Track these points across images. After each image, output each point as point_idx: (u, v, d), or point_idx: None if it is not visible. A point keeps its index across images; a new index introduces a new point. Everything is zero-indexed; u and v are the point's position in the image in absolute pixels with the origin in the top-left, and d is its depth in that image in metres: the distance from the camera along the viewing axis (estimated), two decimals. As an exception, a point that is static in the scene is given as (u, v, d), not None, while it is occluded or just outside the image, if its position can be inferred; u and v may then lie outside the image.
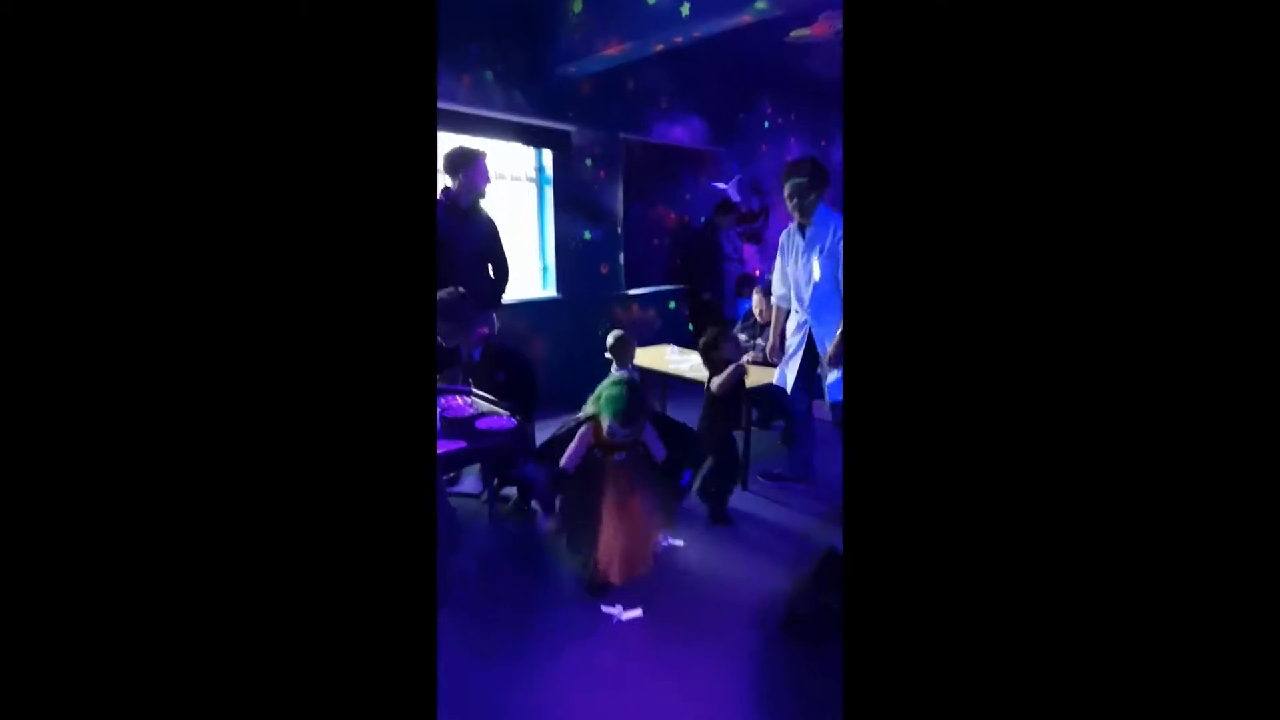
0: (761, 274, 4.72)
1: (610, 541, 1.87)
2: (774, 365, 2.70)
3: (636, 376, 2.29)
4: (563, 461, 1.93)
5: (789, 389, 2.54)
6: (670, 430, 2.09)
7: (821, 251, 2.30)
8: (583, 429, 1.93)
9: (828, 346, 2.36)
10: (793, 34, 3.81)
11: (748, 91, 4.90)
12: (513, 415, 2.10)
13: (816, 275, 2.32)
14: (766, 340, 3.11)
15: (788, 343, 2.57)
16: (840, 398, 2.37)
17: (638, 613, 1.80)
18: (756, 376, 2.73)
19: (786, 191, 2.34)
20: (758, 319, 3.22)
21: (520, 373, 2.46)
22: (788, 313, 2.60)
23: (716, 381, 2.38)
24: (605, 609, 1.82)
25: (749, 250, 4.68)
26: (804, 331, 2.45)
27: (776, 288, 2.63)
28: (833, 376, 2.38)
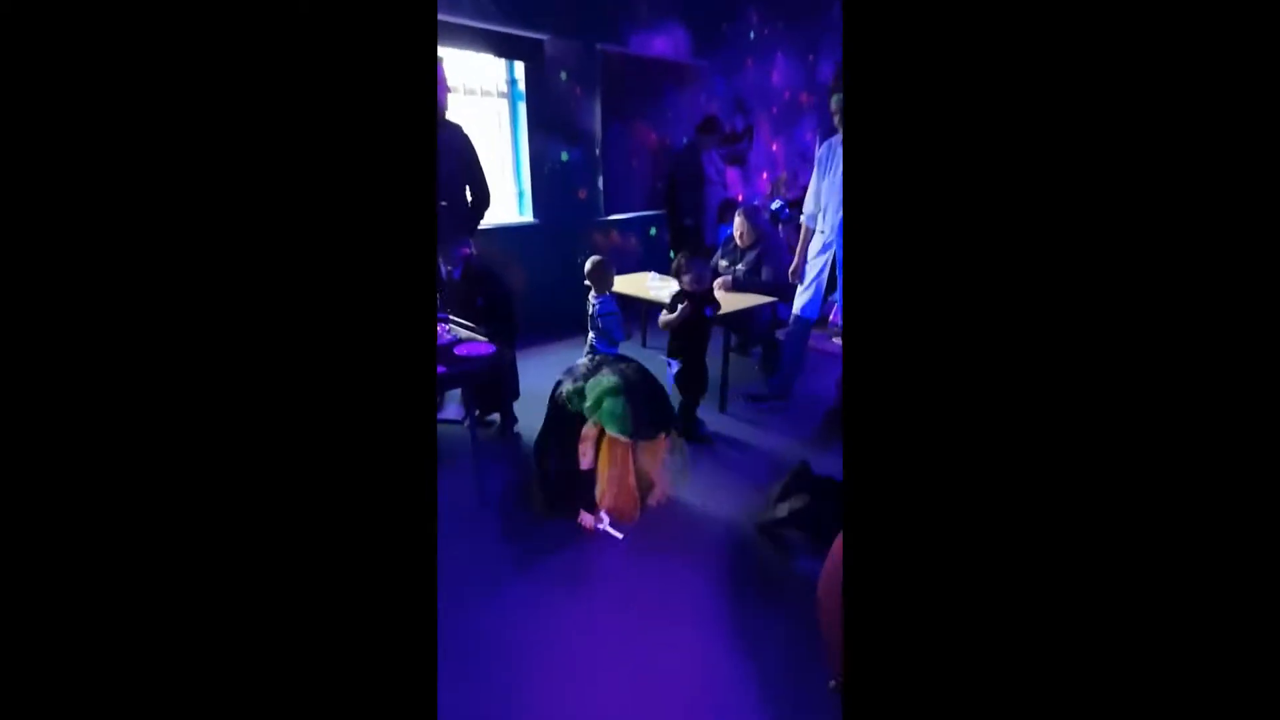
0: (744, 197, 4.61)
1: (605, 487, 1.87)
2: (773, 285, 2.70)
3: (617, 310, 2.24)
4: (583, 464, 1.85)
5: (797, 313, 2.52)
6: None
7: None
8: (585, 436, 1.84)
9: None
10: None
11: (732, 1, 4.60)
12: (491, 341, 2.09)
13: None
14: (747, 264, 3.09)
15: (809, 265, 2.50)
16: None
17: (618, 534, 1.87)
18: (733, 302, 2.73)
19: (833, 104, 2.23)
20: (738, 243, 3.18)
21: (500, 298, 2.43)
22: (813, 233, 2.51)
23: (663, 319, 2.37)
24: (586, 518, 1.89)
25: (732, 173, 4.54)
26: (828, 254, 2.40)
27: (808, 205, 2.51)
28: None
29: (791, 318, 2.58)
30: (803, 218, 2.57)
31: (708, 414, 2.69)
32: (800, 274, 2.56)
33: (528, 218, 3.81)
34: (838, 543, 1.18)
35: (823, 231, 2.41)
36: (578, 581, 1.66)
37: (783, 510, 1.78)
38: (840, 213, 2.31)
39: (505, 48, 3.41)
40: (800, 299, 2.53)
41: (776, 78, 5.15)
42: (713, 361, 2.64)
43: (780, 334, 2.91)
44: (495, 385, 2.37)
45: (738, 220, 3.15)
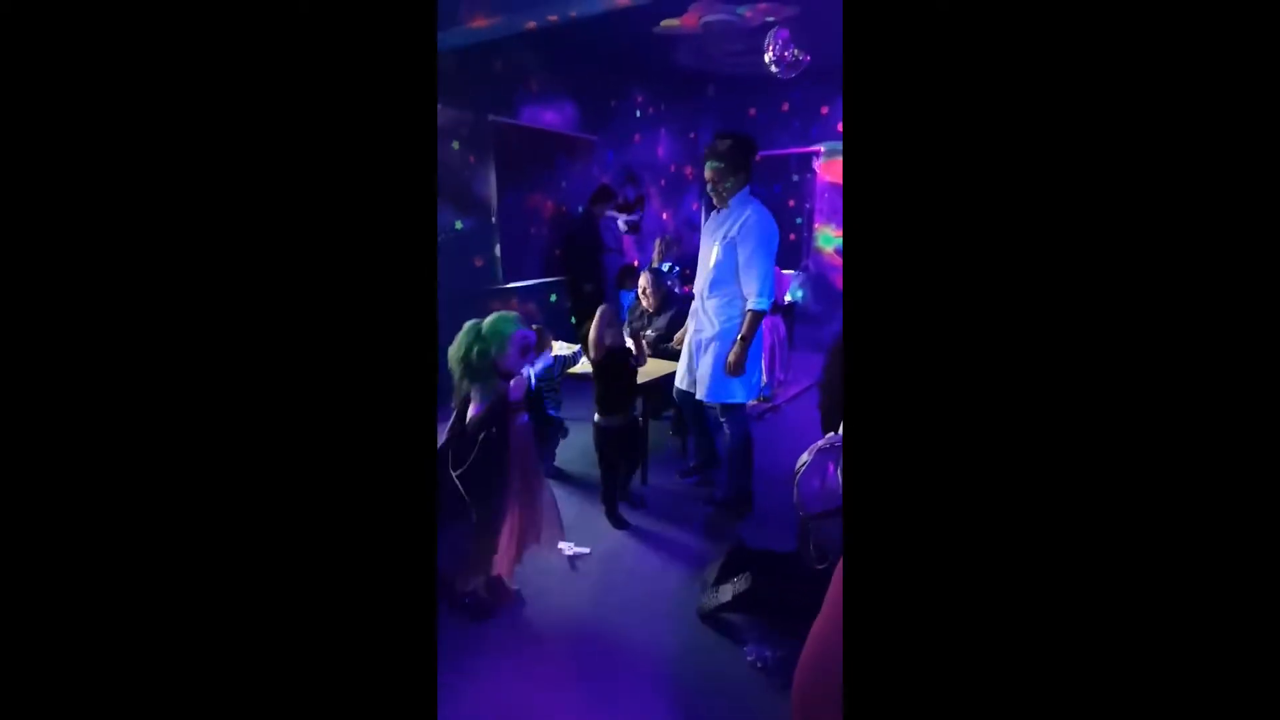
0: (641, 263, 4.72)
1: (511, 537, 1.73)
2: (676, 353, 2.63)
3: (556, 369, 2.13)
4: (469, 424, 1.68)
5: (680, 386, 2.40)
6: None
7: (724, 237, 2.13)
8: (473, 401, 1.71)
9: (729, 352, 2.15)
10: (663, 24, 3.80)
11: (619, 79, 4.85)
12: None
13: (712, 260, 2.17)
14: (657, 330, 3.10)
15: (686, 333, 2.39)
16: (718, 398, 2.21)
17: (586, 550, 1.86)
18: (654, 369, 2.71)
19: (706, 174, 2.13)
20: (645, 308, 3.19)
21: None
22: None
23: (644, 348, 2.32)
24: (561, 545, 1.86)
25: (628, 240, 4.64)
26: (694, 319, 2.31)
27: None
28: (704, 370, 2.21)
29: (720, 407, 2.31)
30: (694, 287, 2.38)
31: (631, 484, 2.59)
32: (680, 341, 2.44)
33: (420, 288, 3.59)
34: (811, 639, 1.11)
35: (696, 302, 2.32)
36: (525, 676, 1.44)
37: (725, 594, 1.70)
38: (710, 272, 2.20)
39: (393, 115, 3.28)
40: (679, 370, 2.37)
41: (662, 152, 5.45)
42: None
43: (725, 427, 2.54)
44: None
45: (643, 281, 3.17)
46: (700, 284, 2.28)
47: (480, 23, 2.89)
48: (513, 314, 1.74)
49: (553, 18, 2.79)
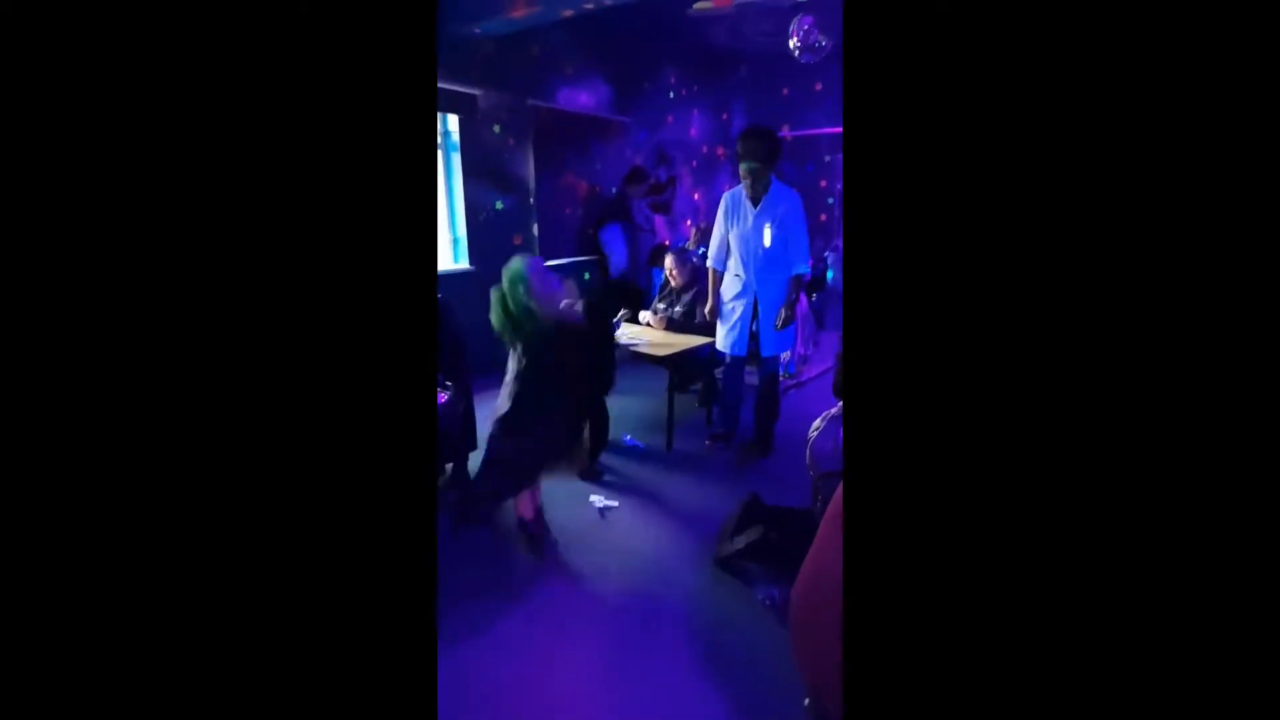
0: (671, 242, 4.85)
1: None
2: (709, 324, 2.84)
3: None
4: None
5: (727, 351, 2.65)
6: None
7: (773, 221, 2.45)
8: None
9: (778, 313, 2.54)
10: (696, 6, 3.88)
11: (652, 62, 4.93)
12: (444, 387, 2.08)
13: (767, 242, 2.47)
14: (683, 305, 3.25)
15: (726, 305, 2.64)
16: (776, 351, 2.59)
17: (614, 503, 2.06)
18: (674, 342, 2.87)
19: (743, 170, 2.43)
20: (672, 285, 3.34)
21: (453, 344, 2.41)
22: (723, 275, 2.68)
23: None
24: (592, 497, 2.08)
25: (659, 220, 4.78)
26: (748, 296, 2.56)
27: (714, 251, 2.68)
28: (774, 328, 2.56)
29: (728, 359, 2.71)
30: (708, 262, 2.74)
31: (656, 452, 2.78)
32: (719, 313, 2.71)
33: (464, 264, 3.81)
34: (806, 562, 1.28)
35: (739, 275, 2.59)
36: (545, 619, 1.65)
37: (739, 543, 1.88)
38: (759, 253, 2.50)
39: (440, 101, 3.47)
40: (726, 338, 2.66)
41: (694, 133, 5.52)
42: (658, 400, 2.73)
43: (717, 373, 3.05)
44: (448, 435, 2.33)
45: (669, 261, 3.32)
46: (748, 260, 2.54)
47: (520, 12, 3.04)
48: (517, 256, 1.88)
49: (589, 5, 2.92)
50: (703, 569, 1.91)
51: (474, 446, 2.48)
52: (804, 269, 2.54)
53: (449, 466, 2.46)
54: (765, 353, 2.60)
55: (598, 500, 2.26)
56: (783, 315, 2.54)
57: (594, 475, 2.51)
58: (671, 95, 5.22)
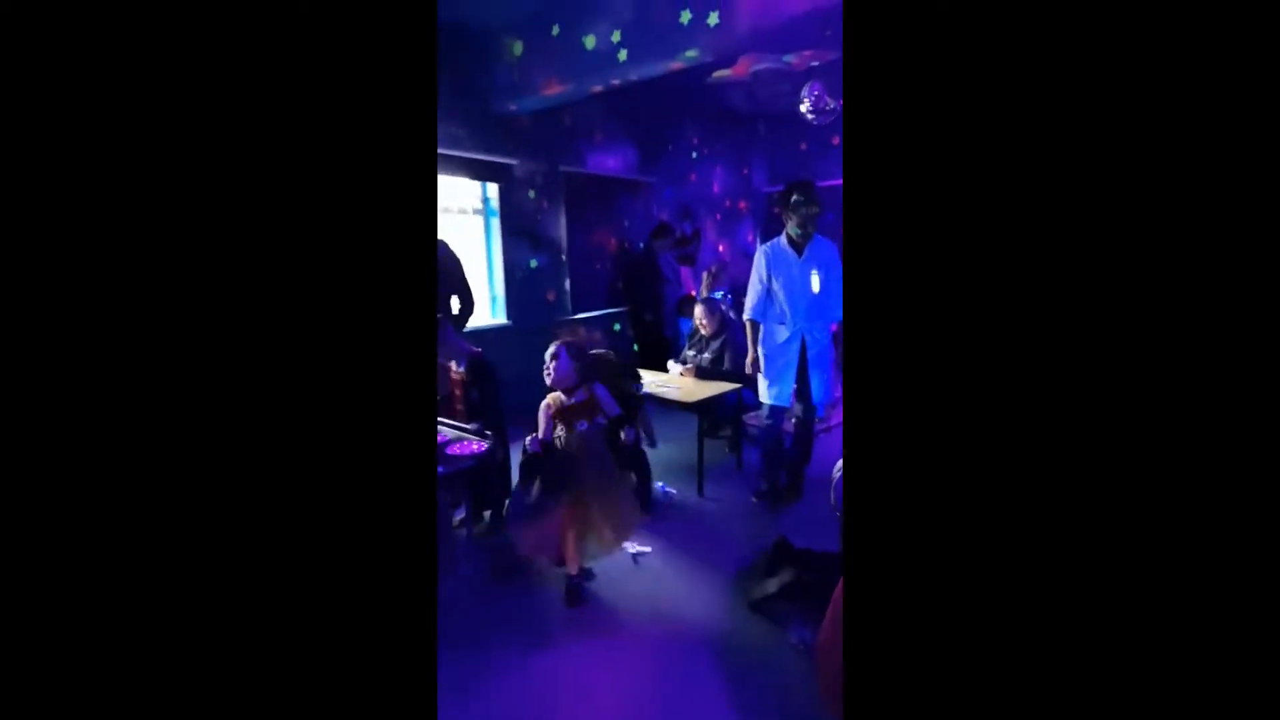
0: (697, 292, 5.02)
1: (570, 527, 2.00)
2: (737, 371, 2.93)
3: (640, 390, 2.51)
4: (526, 442, 2.08)
5: (770, 402, 2.69)
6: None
7: (819, 269, 2.58)
8: (543, 404, 2.11)
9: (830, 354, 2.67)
10: (715, 75, 4.17)
11: (675, 124, 5.25)
12: (484, 436, 2.21)
13: (816, 289, 2.59)
14: (713, 353, 3.37)
15: (770, 358, 2.69)
16: (825, 399, 2.68)
17: (648, 549, 2.11)
18: (702, 389, 2.97)
19: (797, 218, 2.56)
20: (702, 333, 3.47)
21: (491, 395, 2.56)
22: (759, 328, 2.74)
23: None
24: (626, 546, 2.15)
25: (685, 272, 4.97)
26: (796, 343, 2.64)
27: (752, 303, 2.72)
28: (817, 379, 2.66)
29: (765, 409, 2.72)
30: (745, 315, 2.77)
31: (687, 498, 2.84)
32: (756, 366, 2.75)
33: (501, 319, 4.03)
34: (831, 607, 1.32)
35: (784, 325, 2.66)
36: (578, 662, 1.71)
37: (771, 586, 1.91)
38: (807, 309, 2.61)
39: (480, 171, 3.78)
40: (771, 389, 2.69)
41: (717, 189, 5.78)
42: (687, 447, 2.81)
43: (753, 428, 3.07)
44: (487, 482, 2.45)
45: (698, 311, 3.46)
46: (797, 309, 2.65)
47: (553, 89, 3.34)
48: None
49: (616, 82, 3.19)
50: (735, 612, 1.95)
51: (509, 493, 2.60)
52: (839, 317, 2.68)
53: (487, 514, 2.57)
54: (816, 399, 2.66)
55: (631, 546, 2.32)
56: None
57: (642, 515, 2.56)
58: (694, 155, 5.52)
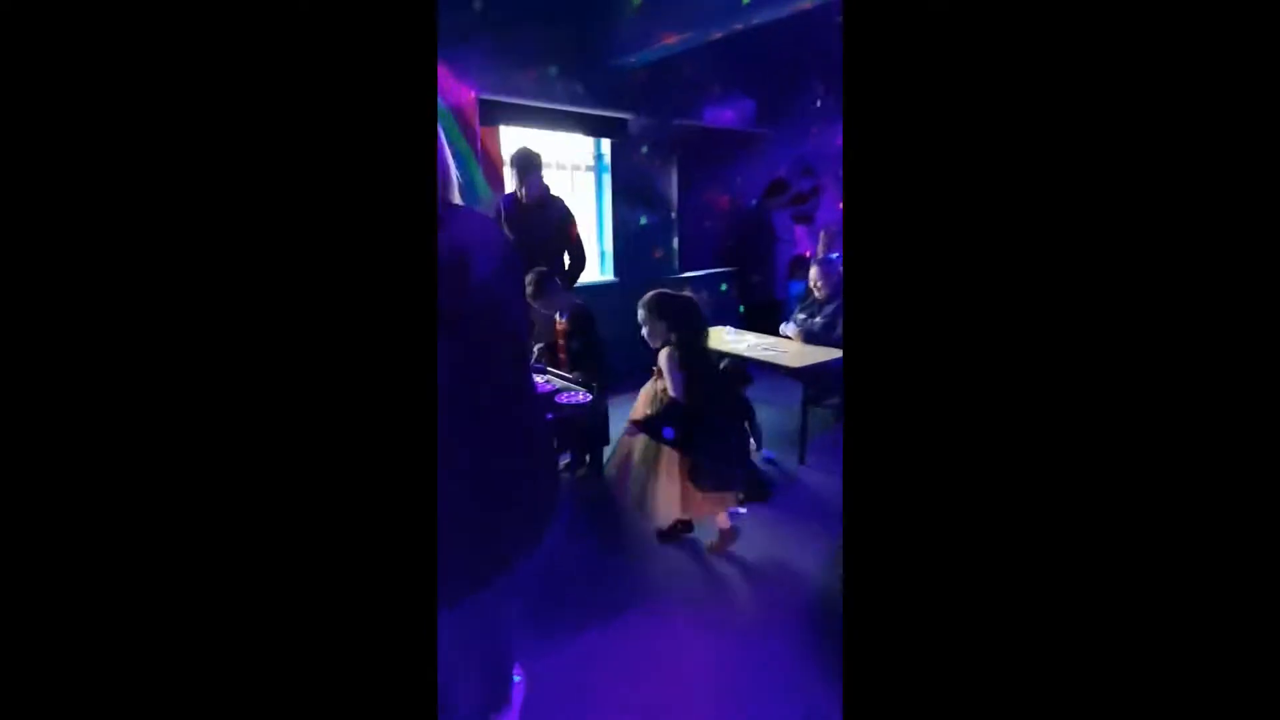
0: (812, 253, 4.77)
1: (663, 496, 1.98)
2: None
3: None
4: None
5: None
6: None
7: None
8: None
9: None
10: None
11: (797, 74, 4.91)
12: (589, 389, 2.28)
13: None
14: (825, 318, 3.20)
15: None
16: None
17: (743, 510, 2.19)
18: (807, 355, 2.85)
19: None
20: (815, 295, 3.30)
21: (593, 345, 2.64)
22: None
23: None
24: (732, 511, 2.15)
25: (800, 231, 4.72)
26: None
27: None
28: None
29: None
30: None
31: (789, 466, 2.78)
32: None
33: (610, 277, 4.10)
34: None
35: None
36: (657, 624, 1.75)
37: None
38: None
39: (594, 127, 3.79)
40: None
41: (839, 143, 5.37)
42: (794, 413, 2.73)
43: None
44: (590, 431, 2.55)
45: (813, 273, 3.28)
46: None
47: (672, 39, 3.24)
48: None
49: (738, 25, 3.03)
50: (832, 573, 1.89)
51: (606, 441, 2.68)
52: None
53: (588, 457, 2.68)
54: None
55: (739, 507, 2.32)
56: None
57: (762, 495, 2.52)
58: (819, 104, 5.15)
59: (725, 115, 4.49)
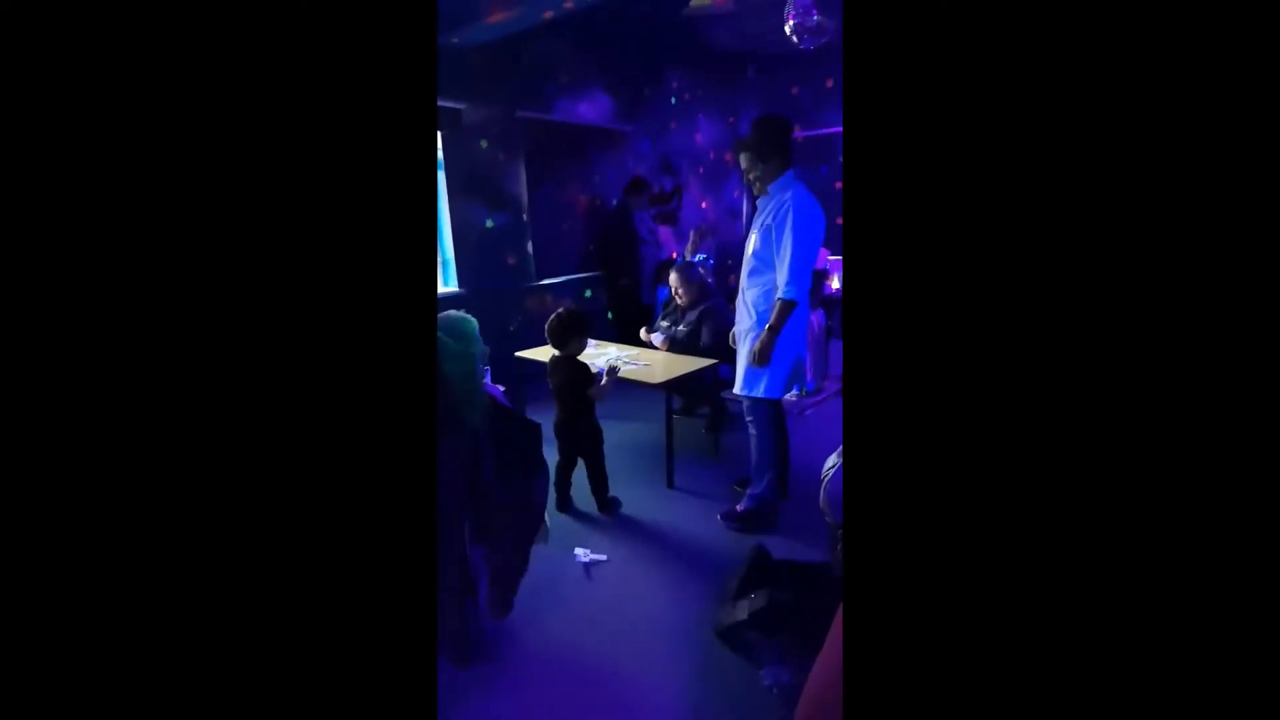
0: (679, 256, 4.59)
1: None
2: (719, 345, 2.50)
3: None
4: None
5: (737, 388, 2.18)
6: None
7: (762, 225, 2.01)
8: None
9: (754, 341, 2.04)
10: (693, 4, 3.64)
11: (652, 66, 4.71)
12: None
13: (750, 248, 2.06)
14: (688, 325, 2.97)
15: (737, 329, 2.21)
16: (748, 390, 2.09)
17: (603, 558, 1.94)
18: (677, 366, 2.59)
19: (741, 165, 2.06)
20: (678, 302, 3.07)
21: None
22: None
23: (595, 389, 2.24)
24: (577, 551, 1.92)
25: (664, 232, 4.51)
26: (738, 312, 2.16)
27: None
28: (741, 366, 2.13)
29: (748, 403, 2.15)
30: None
31: (655, 489, 2.49)
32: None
33: (452, 287, 3.60)
34: (818, 664, 0.97)
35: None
36: (514, 691, 1.37)
37: (742, 611, 1.57)
38: (749, 260, 2.08)
39: (420, 117, 3.29)
40: (762, 380, 2.10)
41: (700, 139, 5.26)
42: (655, 428, 2.45)
43: (724, 394, 2.73)
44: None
45: (673, 278, 3.05)
46: (741, 274, 2.14)
47: (497, 17, 2.84)
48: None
49: (569, 3, 2.70)
50: (701, 642, 1.61)
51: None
52: (790, 291, 1.93)
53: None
54: (737, 389, 2.12)
55: (583, 554, 1.98)
56: (755, 349, 2.01)
57: (610, 509, 2.31)
58: (674, 101, 4.99)
59: (578, 109, 4.16)
